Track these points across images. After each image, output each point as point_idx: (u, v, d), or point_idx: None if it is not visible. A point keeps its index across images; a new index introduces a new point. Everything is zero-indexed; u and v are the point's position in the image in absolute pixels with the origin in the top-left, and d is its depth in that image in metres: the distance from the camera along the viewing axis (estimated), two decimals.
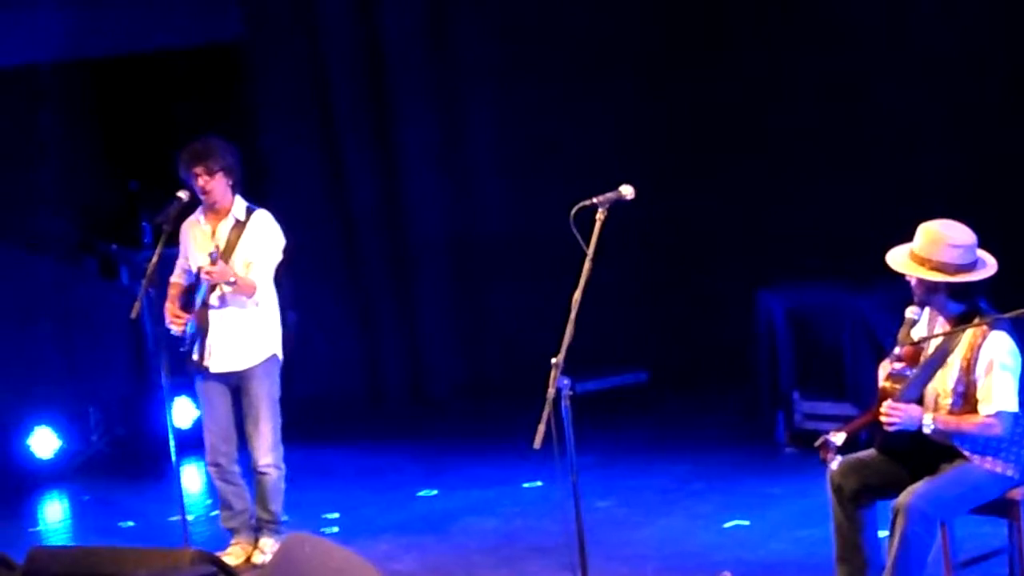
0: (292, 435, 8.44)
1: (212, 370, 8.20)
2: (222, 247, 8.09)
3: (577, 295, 6.13)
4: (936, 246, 6.33)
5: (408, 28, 12.10)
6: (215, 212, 8.21)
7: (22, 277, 11.16)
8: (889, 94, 10.80)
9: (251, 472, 8.33)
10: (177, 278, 8.35)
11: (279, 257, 8.25)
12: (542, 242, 10.45)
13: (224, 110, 11.97)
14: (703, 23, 11.67)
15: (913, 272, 6.38)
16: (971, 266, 6.33)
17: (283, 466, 8.30)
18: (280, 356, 8.30)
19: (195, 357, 8.17)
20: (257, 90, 12.16)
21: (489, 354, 12.29)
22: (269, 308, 8.25)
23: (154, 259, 8.01)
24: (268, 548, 8.23)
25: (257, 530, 8.40)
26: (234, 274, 8.03)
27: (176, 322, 8.17)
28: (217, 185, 8.13)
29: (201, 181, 8.11)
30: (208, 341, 8.15)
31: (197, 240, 8.24)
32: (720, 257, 11.59)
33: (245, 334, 8.17)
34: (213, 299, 8.12)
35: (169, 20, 12.00)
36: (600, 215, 6.26)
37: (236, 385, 8.26)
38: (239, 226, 8.16)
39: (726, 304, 11.03)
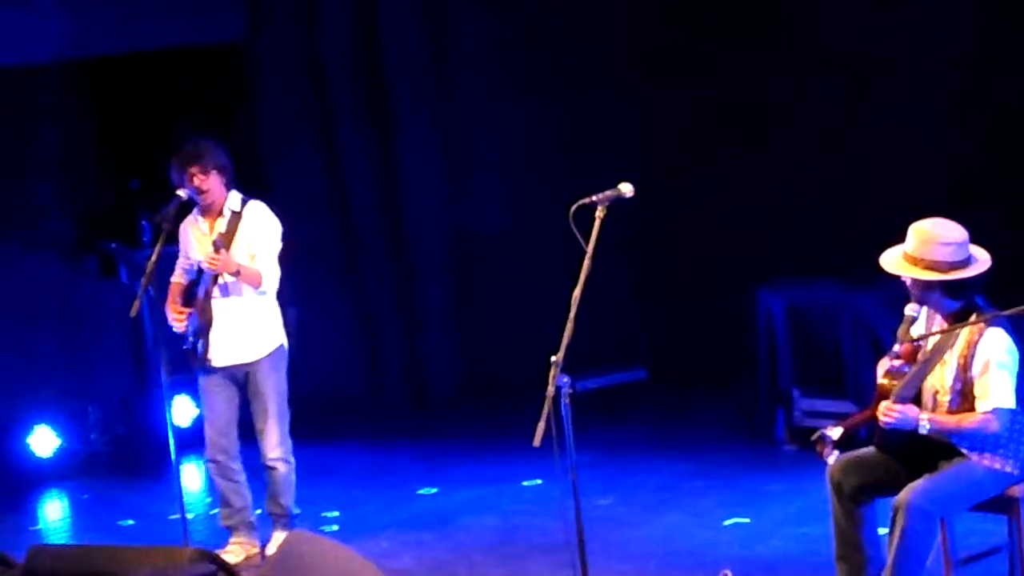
0: (293, 433, 8.44)
1: (217, 364, 8.21)
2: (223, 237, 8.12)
3: (577, 293, 6.12)
4: (927, 245, 6.34)
5: (408, 28, 12.09)
6: (212, 210, 8.25)
7: (22, 276, 11.16)
8: (890, 92, 10.80)
9: (258, 467, 8.35)
10: (178, 277, 8.39)
11: (279, 244, 8.26)
12: (542, 240, 10.45)
13: (225, 110, 11.97)
14: (704, 22, 11.67)
15: (906, 272, 6.38)
16: (964, 263, 6.34)
17: (292, 460, 8.32)
18: (286, 346, 8.33)
19: (199, 354, 8.19)
20: (258, 89, 12.16)
21: (489, 352, 12.28)
22: (272, 298, 8.28)
23: (153, 257, 8.00)
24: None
25: (258, 527, 8.41)
26: (238, 265, 8.06)
27: (178, 319, 8.21)
28: (213, 183, 8.16)
29: (197, 181, 8.14)
30: (212, 335, 8.17)
31: (197, 238, 8.28)
32: (720, 255, 11.58)
33: (250, 325, 8.19)
34: (216, 291, 8.16)
35: (170, 19, 11.99)
36: (599, 213, 6.25)
37: (243, 380, 8.27)
38: (236, 217, 8.20)
39: (726, 301, 11.00)
